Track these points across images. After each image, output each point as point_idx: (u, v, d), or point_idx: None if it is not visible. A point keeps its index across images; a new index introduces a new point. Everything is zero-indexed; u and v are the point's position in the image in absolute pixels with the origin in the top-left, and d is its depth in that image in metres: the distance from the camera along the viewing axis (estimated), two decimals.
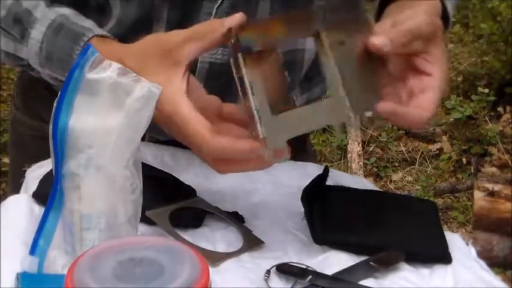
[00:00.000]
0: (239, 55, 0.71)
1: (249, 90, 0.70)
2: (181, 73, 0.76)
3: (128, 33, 0.86)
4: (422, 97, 0.79)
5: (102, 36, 0.84)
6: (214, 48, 0.81)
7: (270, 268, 0.75)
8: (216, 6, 0.89)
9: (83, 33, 0.84)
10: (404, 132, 3.45)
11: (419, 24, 0.80)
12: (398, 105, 0.78)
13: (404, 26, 0.79)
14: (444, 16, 0.87)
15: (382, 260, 0.77)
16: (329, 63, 0.74)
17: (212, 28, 0.76)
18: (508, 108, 3.41)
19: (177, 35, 0.77)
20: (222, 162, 0.75)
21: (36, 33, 0.85)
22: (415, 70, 0.81)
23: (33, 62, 0.87)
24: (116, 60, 0.73)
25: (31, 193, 0.82)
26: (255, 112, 0.70)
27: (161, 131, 0.98)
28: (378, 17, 0.87)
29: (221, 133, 0.73)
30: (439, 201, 2.91)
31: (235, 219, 0.84)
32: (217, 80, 0.91)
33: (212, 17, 0.89)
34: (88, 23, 0.86)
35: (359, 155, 3.06)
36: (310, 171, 0.94)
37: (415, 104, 0.79)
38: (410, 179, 3.17)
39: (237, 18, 0.74)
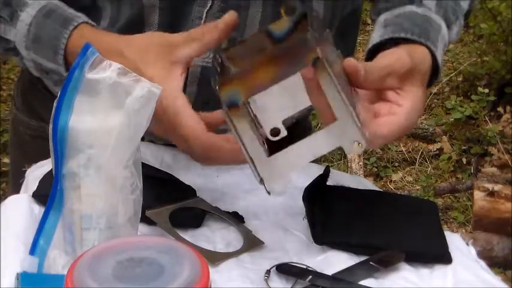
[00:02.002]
0: (224, 110, 0.71)
1: (240, 143, 0.71)
2: (179, 72, 0.79)
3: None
4: (386, 118, 0.78)
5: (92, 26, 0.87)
6: (209, 50, 0.84)
7: (270, 268, 0.75)
8: (205, 10, 0.89)
9: (72, 19, 0.86)
10: None
11: (394, 61, 0.79)
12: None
13: (379, 62, 0.79)
14: (435, 64, 0.87)
15: (382, 260, 0.77)
16: (334, 88, 0.71)
17: (207, 29, 0.79)
18: (508, 108, 3.40)
19: (179, 36, 0.81)
20: (206, 157, 0.79)
21: (26, 15, 0.87)
22: (385, 100, 0.81)
23: (20, 45, 0.88)
24: (115, 50, 0.79)
25: (31, 193, 0.82)
26: (249, 160, 0.72)
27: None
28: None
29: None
30: (439, 201, 2.91)
31: (235, 219, 0.84)
32: (210, 84, 0.91)
33: (202, 21, 0.89)
34: (79, 13, 0.87)
35: (359, 155, 3.05)
36: (310, 171, 0.93)
37: (376, 122, 0.78)
38: (410, 179, 3.17)
39: (228, 18, 0.79)
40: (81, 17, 0.87)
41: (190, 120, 0.77)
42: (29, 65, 0.91)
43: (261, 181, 0.72)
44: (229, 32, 0.80)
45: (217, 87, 0.72)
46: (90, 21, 0.87)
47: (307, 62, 0.70)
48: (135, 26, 0.90)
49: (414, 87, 0.80)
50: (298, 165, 0.73)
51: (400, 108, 0.79)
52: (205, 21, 0.90)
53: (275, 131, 0.72)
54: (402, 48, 0.83)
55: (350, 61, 0.76)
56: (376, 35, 0.90)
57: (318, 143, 0.73)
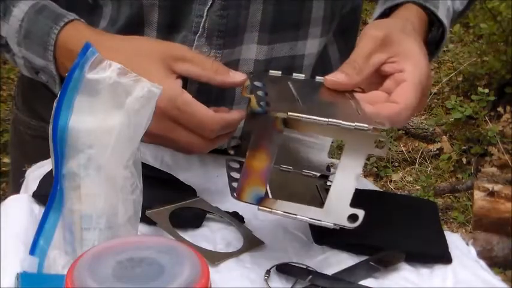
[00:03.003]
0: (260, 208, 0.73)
1: (296, 218, 0.73)
2: (175, 77, 0.82)
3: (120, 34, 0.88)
4: (398, 89, 0.78)
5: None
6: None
7: (270, 268, 0.75)
8: (206, 9, 0.88)
9: (63, 15, 0.86)
10: (404, 132, 3.45)
11: (370, 45, 0.80)
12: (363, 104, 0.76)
13: (355, 58, 0.80)
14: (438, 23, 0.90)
15: (382, 260, 0.77)
16: (313, 125, 0.70)
17: (220, 69, 0.83)
18: (508, 108, 3.40)
19: (183, 49, 0.84)
20: (216, 137, 0.82)
21: (18, 11, 0.87)
22: (386, 75, 0.80)
23: (11, 41, 0.89)
24: (109, 46, 0.80)
25: (31, 193, 0.82)
26: (313, 222, 0.74)
27: None
28: None
29: None
30: (439, 201, 2.91)
31: (235, 219, 0.84)
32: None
33: (203, 20, 0.89)
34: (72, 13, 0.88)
35: None
36: None
37: (391, 99, 0.78)
38: (410, 179, 3.17)
39: (239, 79, 0.82)
40: (73, 15, 0.87)
41: (201, 107, 0.80)
42: (19, 63, 0.91)
43: (336, 225, 0.73)
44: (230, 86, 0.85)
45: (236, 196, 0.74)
46: (82, 19, 0.87)
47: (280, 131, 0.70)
48: (134, 25, 0.90)
49: (405, 44, 0.81)
50: (350, 192, 0.72)
51: (405, 73, 0.79)
52: (206, 20, 0.89)
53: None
54: (369, 25, 0.84)
55: (328, 81, 0.77)
56: (374, 16, 0.94)
57: (349, 163, 0.71)
